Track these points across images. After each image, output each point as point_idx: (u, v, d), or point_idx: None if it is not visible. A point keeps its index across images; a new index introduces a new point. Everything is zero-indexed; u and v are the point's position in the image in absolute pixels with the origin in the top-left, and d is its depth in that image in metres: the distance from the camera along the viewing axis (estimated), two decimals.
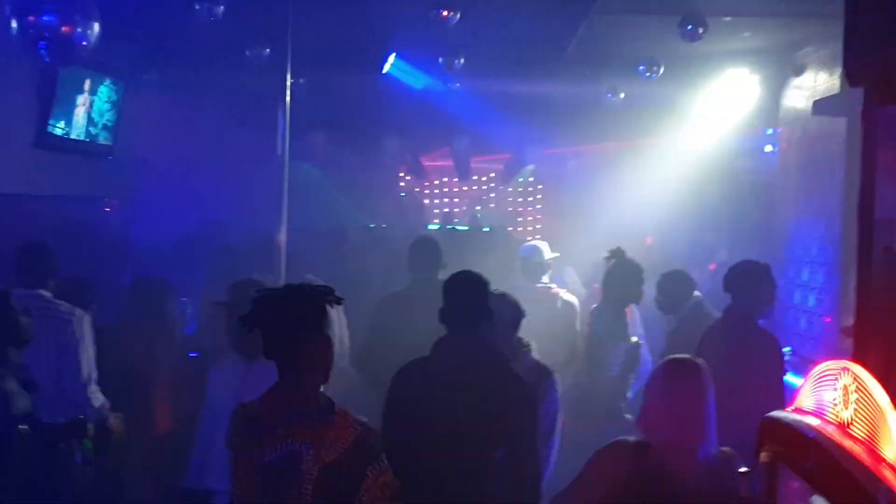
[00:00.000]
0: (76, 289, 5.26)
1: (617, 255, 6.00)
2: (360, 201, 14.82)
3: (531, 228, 17.06)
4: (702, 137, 10.03)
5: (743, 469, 2.95)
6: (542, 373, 4.24)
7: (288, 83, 6.19)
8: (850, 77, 2.80)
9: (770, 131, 9.44)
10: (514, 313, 4.24)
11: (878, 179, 2.74)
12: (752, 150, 10.33)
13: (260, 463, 2.73)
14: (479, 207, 17.07)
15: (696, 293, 6.14)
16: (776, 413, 2.56)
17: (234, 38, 7.14)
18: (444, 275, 4.91)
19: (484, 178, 18.01)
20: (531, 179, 18.11)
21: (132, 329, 5.54)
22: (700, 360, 3.20)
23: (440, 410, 3.46)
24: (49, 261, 4.74)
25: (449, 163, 14.95)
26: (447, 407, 3.45)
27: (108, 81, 7.81)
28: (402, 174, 17.47)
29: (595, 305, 6.14)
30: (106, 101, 7.89)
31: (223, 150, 8.96)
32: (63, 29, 4.23)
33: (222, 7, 6.04)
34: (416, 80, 9.08)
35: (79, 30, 4.30)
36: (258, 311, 2.82)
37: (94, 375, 4.70)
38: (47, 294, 4.66)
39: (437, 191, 18.05)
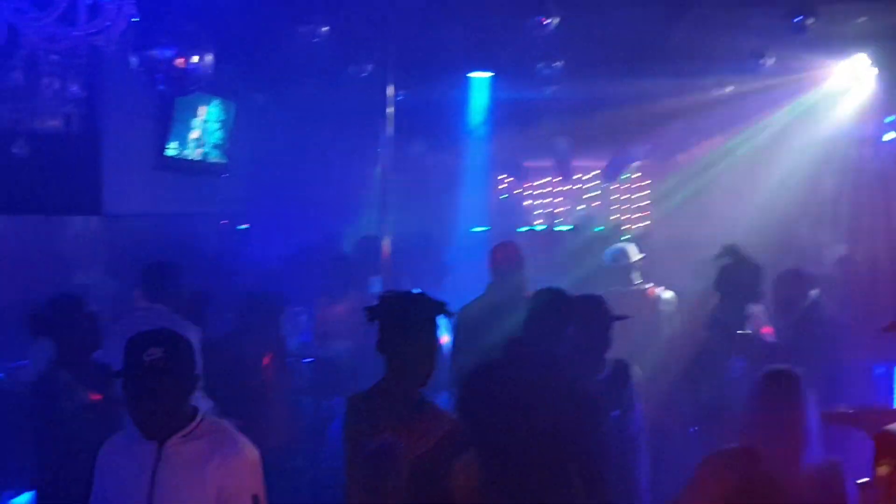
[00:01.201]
0: (192, 301, 5.54)
1: (731, 252, 5.77)
2: (461, 205, 14.98)
3: (639, 226, 16.81)
4: (817, 128, 9.70)
5: (862, 480, 2.91)
6: (624, 371, 4.24)
7: (389, 95, 6.36)
8: None
9: (889, 119, 9.06)
10: (603, 320, 4.23)
11: None
12: (871, 139, 9.93)
13: (363, 453, 2.91)
14: (582, 206, 16.92)
15: (814, 291, 5.86)
16: (893, 427, 2.50)
17: (337, 56, 7.34)
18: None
19: (587, 177, 17.84)
20: (638, 175, 17.84)
21: (246, 341, 5.79)
22: (799, 371, 3.18)
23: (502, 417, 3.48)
24: (168, 277, 4.98)
25: (549, 163, 14.91)
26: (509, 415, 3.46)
27: (219, 102, 8.17)
28: (502, 176, 17.52)
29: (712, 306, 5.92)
30: (217, 122, 8.26)
31: (329, 162, 9.23)
32: (177, 62, 4.46)
33: (325, 28, 6.23)
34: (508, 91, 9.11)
35: (193, 61, 4.53)
36: (380, 309, 3.12)
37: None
38: (163, 308, 4.92)
39: (538, 191, 18.00)
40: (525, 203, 17.83)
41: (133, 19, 2.85)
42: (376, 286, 6.58)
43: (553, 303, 4.05)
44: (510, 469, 3.28)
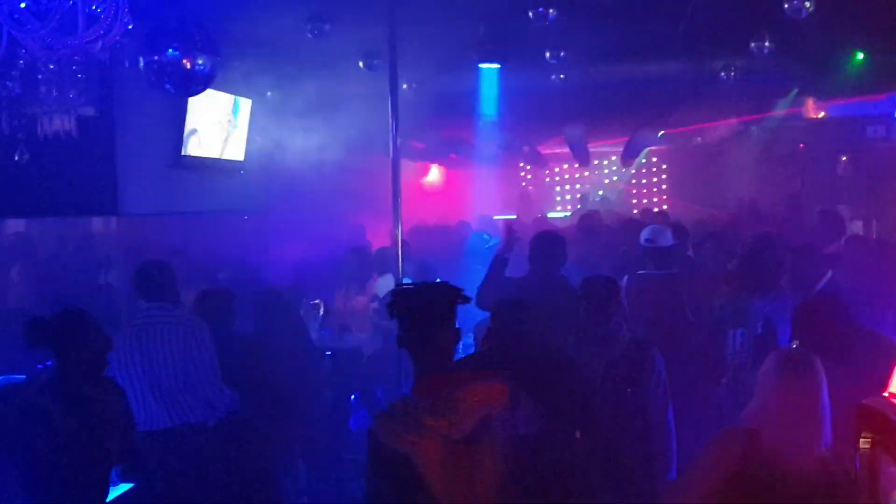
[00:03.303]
0: (215, 299, 5.64)
1: (756, 239, 5.80)
2: (482, 194, 15.06)
3: (657, 210, 16.80)
4: (827, 107, 9.69)
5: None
6: (641, 348, 4.31)
7: (399, 88, 6.43)
8: None
9: None
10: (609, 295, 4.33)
11: None
12: (883, 117, 9.89)
13: (451, 441, 2.78)
14: (601, 192, 16.95)
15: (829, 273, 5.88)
16: (871, 401, 2.55)
17: (346, 52, 7.45)
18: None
19: (605, 162, 17.85)
20: (655, 160, 17.83)
21: (268, 335, 5.92)
22: (814, 355, 3.13)
23: None
24: (165, 276, 5.05)
25: (567, 150, 14.93)
26: None
27: (235, 100, 8.30)
28: (522, 164, 17.56)
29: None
30: (234, 119, 8.39)
31: (343, 155, 9.34)
32: (184, 64, 4.57)
33: (328, 25, 6.33)
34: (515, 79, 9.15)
35: (199, 62, 4.64)
36: (397, 303, 3.10)
37: (218, 374, 4.97)
38: (167, 306, 4.98)
39: (557, 178, 18.03)
40: (546, 189, 17.94)
41: (129, 26, 2.94)
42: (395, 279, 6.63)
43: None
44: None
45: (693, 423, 4.98)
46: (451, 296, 3.11)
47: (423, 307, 3.08)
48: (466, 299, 3.14)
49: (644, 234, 6.16)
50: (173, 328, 4.85)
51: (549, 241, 5.68)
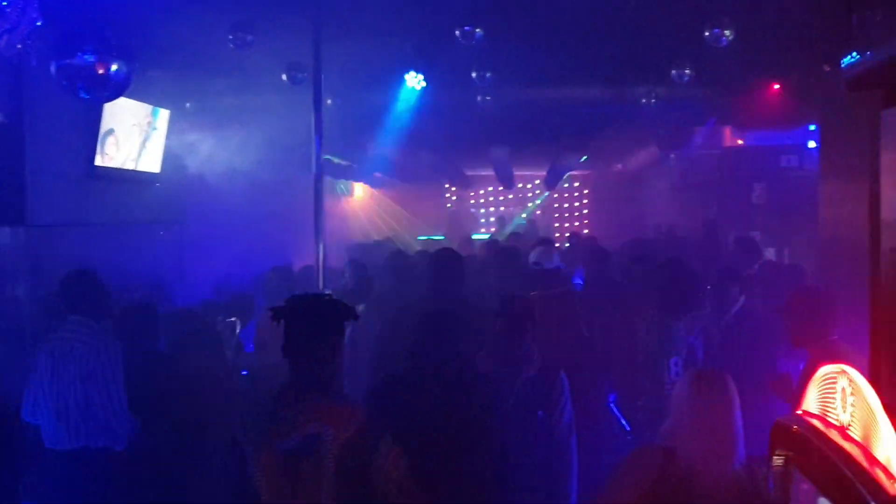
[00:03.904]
0: (138, 315, 5.36)
1: (667, 261, 5.93)
2: (409, 214, 15.07)
3: (585, 233, 17.06)
4: (742, 136, 9.97)
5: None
6: (552, 370, 4.30)
7: (323, 103, 6.34)
8: (849, 82, 2.82)
9: (813, 127, 9.33)
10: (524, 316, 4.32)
11: (882, 180, 2.75)
12: (797, 147, 10.21)
13: (281, 448, 2.95)
14: (523, 215, 17.14)
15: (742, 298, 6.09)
16: (784, 417, 2.58)
17: (269, 64, 7.33)
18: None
19: (529, 185, 18.07)
20: (577, 185, 18.15)
21: (181, 356, 5.70)
22: (726, 374, 3.19)
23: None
24: (92, 287, 4.86)
25: (491, 172, 15.05)
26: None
27: (152, 110, 8.08)
28: (447, 185, 17.65)
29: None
30: (151, 130, 8.17)
31: (264, 171, 9.19)
32: (98, 69, 4.41)
33: (250, 36, 6.22)
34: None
35: (113, 68, 4.49)
36: (286, 311, 3.13)
37: (124, 401, 4.77)
38: (91, 323, 4.77)
39: (482, 200, 18.17)
40: (471, 211, 18.05)
41: (37, 23, 2.81)
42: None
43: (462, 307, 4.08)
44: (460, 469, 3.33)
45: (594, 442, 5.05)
46: (340, 312, 3.15)
47: (309, 318, 3.11)
48: (356, 318, 3.21)
49: (531, 257, 6.27)
50: (89, 348, 4.65)
51: (448, 261, 5.61)
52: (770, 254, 9.52)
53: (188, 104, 8.42)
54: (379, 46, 7.06)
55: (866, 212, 2.91)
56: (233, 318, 7.62)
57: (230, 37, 6.35)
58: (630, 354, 5.69)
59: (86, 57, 4.47)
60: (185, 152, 8.65)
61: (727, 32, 6.07)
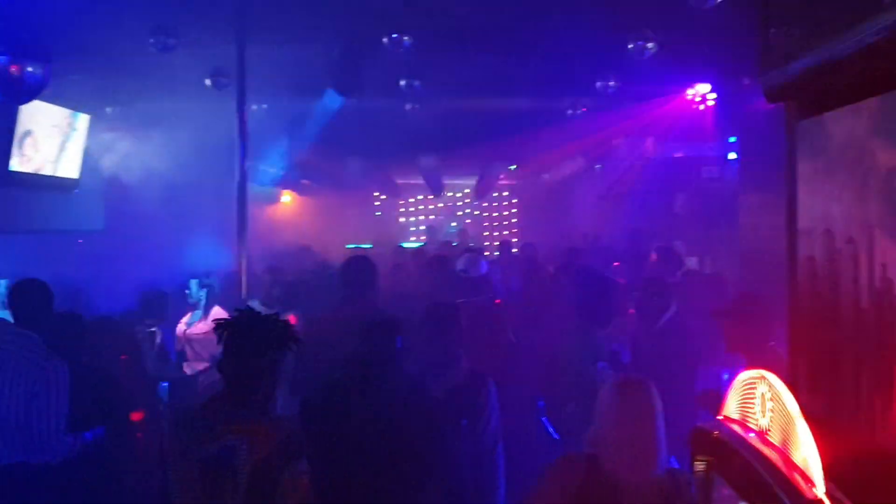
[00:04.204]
0: (68, 324, 5.21)
1: (586, 269, 6.03)
2: (337, 222, 14.94)
3: (514, 241, 17.21)
4: (664, 148, 10.18)
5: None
6: (479, 378, 4.28)
7: (247, 109, 6.25)
8: (767, 94, 2.88)
9: (733, 139, 9.58)
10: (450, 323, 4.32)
11: (799, 190, 2.82)
12: (717, 158, 10.46)
13: (197, 457, 2.93)
14: (453, 223, 17.18)
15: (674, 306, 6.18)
16: (705, 423, 2.62)
17: (192, 69, 7.18)
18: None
19: (459, 194, 18.14)
20: (506, 194, 18.29)
21: (99, 367, 5.51)
22: (650, 381, 3.22)
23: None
24: (38, 298, 4.63)
25: (421, 180, 15.05)
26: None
27: (71, 115, 7.85)
28: (376, 193, 17.59)
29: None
30: (71, 134, 7.93)
31: (187, 177, 8.99)
32: (12, 69, 4.25)
33: (173, 40, 6.08)
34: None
35: (29, 69, 4.33)
36: (226, 327, 3.11)
37: (62, 422, 4.56)
38: (29, 334, 4.52)
39: (412, 208, 18.15)
40: (400, 220, 18.02)
41: None
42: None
43: (389, 319, 4.03)
44: (341, 481, 3.31)
45: (516, 446, 5.08)
46: (284, 332, 3.14)
47: (251, 335, 3.09)
48: (296, 338, 3.16)
49: (458, 265, 6.29)
50: (26, 365, 4.41)
51: (360, 267, 5.54)
52: (692, 262, 9.72)
53: (109, 109, 8.19)
54: (305, 52, 6.99)
55: (784, 221, 2.97)
56: (153, 329, 7.44)
57: (151, 40, 6.19)
58: (555, 362, 5.73)
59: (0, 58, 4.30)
60: (106, 158, 8.41)
61: (650, 45, 6.18)
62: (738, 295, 4.66)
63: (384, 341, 3.75)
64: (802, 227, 2.78)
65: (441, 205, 18.01)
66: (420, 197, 17.96)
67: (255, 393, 3.06)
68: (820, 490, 1.96)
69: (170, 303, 7.20)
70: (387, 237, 14.44)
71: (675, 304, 6.03)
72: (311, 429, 3.35)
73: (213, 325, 7.15)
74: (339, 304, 5.35)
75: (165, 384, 6.97)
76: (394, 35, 6.22)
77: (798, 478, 2.02)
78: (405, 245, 13.47)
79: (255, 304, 6.75)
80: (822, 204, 2.62)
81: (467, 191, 17.72)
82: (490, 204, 18.25)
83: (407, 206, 18.18)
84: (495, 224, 18.40)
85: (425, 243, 14.12)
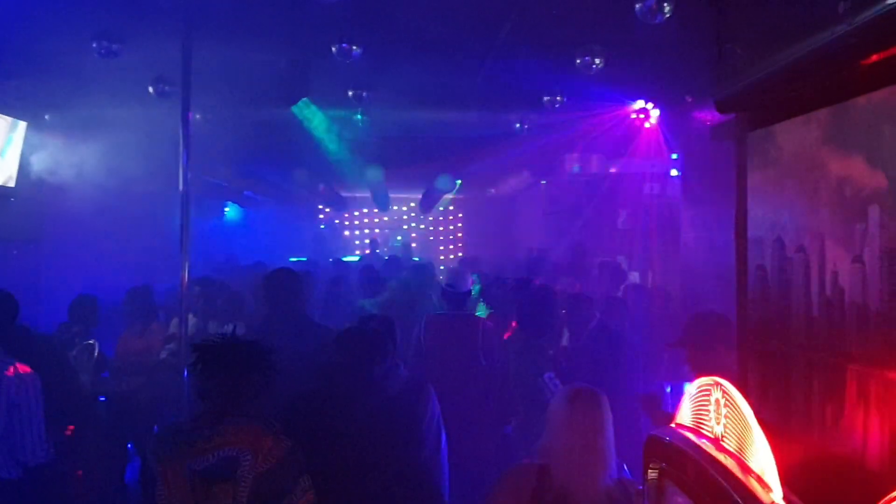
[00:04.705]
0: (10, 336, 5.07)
1: (529, 283, 6.18)
2: (280, 235, 14.76)
3: (453, 257, 17.26)
4: (609, 164, 10.29)
5: (638, 490, 3.01)
6: (419, 386, 4.29)
7: (189, 118, 6.12)
8: (719, 105, 2.92)
9: (675, 156, 9.73)
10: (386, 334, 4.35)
11: (749, 200, 2.86)
12: (659, 175, 10.62)
13: (192, 469, 2.86)
14: (399, 237, 17.15)
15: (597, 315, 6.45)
16: (658, 431, 2.62)
17: (135, 75, 7.03)
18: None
19: (405, 208, 18.13)
20: (451, 208, 18.34)
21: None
22: (600, 391, 3.24)
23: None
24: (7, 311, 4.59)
25: (367, 194, 14.98)
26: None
27: (7, 121, 7.61)
28: (321, 206, 17.46)
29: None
30: (6, 143, 7.69)
31: (133, 188, 8.79)
32: None
33: (117, 45, 5.95)
34: (321, 122, 9.10)
35: None
36: (200, 359, 3.06)
37: (42, 432, 4.59)
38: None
39: (357, 221, 18.07)
40: (345, 233, 17.92)
41: None
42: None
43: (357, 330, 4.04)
44: (338, 489, 3.27)
45: (476, 461, 5.09)
46: (262, 356, 3.14)
47: (224, 361, 3.07)
48: (270, 366, 3.15)
49: (445, 279, 6.34)
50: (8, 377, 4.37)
51: (287, 278, 5.58)
52: (635, 277, 9.84)
53: (47, 116, 7.97)
54: (251, 61, 6.90)
55: (727, 234, 3.01)
56: (91, 341, 7.23)
57: (94, 45, 6.04)
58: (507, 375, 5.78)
59: None
60: (43, 166, 8.17)
61: (597, 61, 6.26)
62: (693, 319, 4.61)
63: (363, 351, 3.72)
64: (752, 236, 2.82)
65: (385, 218, 17.97)
66: (365, 210, 17.89)
67: (240, 407, 3.04)
68: (777, 495, 1.97)
69: (98, 308, 7.04)
70: (326, 251, 14.37)
71: (598, 313, 6.44)
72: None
73: (162, 336, 7.01)
74: (269, 317, 5.39)
75: (103, 398, 6.80)
76: (343, 45, 6.17)
77: (754, 483, 2.03)
78: (346, 258, 13.40)
79: (190, 318, 6.67)
80: (772, 213, 2.65)
81: (413, 205, 17.71)
82: (435, 218, 18.28)
83: (352, 219, 18.10)
84: (440, 238, 18.43)
85: (361, 257, 14.08)
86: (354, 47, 6.22)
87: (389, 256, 11.99)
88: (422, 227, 18.43)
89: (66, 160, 8.22)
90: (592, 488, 3.10)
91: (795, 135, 2.49)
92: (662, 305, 7.94)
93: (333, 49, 6.23)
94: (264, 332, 4.87)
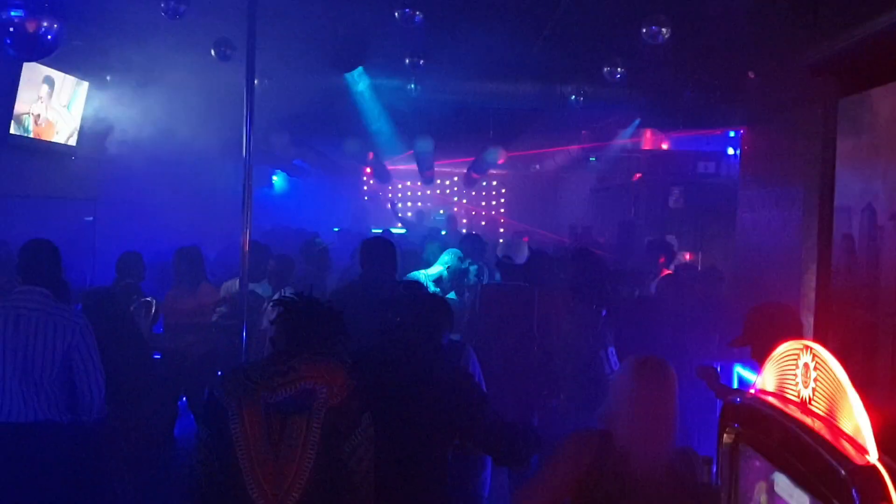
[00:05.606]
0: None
1: (582, 254, 6.15)
2: (327, 204, 14.85)
3: (500, 231, 17.23)
4: (663, 141, 10.20)
5: (705, 457, 3.01)
6: (459, 347, 4.38)
7: (254, 84, 6.15)
8: (813, 69, 2.88)
9: (732, 134, 9.62)
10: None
11: (837, 168, 2.83)
12: (715, 153, 10.51)
13: (268, 403, 2.90)
14: (441, 211, 17.17)
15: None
16: (736, 395, 2.62)
17: (198, 38, 7.10)
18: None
19: (448, 182, 18.13)
20: (495, 183, 18.30)
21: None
22: (667, 361, 3.23)
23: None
24: (53, 261, 4.54)
25: (413, 166, 14.98)
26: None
27: (71, 81, 7.73)
28: (366, 178, 17.53)
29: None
30: (69, 102, 7.81)
31: (189, 151, 8.89)
32: (28, 26, 4.18)
33: (184, 7, 6.00)
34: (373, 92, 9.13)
35: (44, 26, 4.25)
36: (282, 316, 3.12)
37: (98, 377, 4.58)
38: (42, 290, 4.43)
39: (400, 194, 18.11)
40: (388, 205, 17.99)
41: None
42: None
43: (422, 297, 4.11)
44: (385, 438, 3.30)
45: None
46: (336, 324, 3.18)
47: (305, 323, 3.11)
48: (346, 336, 3.20)
49: (501, 250, 6.33)
50: (50, 320, 4.34)
51: (380, 246, 5.63)
52: (685, 258, 9.77)
53: (108, 77, 8.07)
54: (313, 28, 6.93)
55: (787, 212, 2.98)
56: (148, 298, 7.37)
57: (162, 4, 6.09)
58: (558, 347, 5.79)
59: (16, 13, 4.21)
60: (103, 126, 8.29)
61: (664, 30, 6.15)
62: (755, 311, 4.29)
63: (429, 316, 3.75)
64: (839, 204, 2.79)
65: (429, 192, 17.99)
66: (408, 183, 17.92)
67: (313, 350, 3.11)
68: (873, 456, 1.96)
69: (143, 264, 7.17)
70: (370, 222, 14.45)
71: (637, 289, 6.64)
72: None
73: (212, 299, 7.09)
74: (360, 280, 5.45)
75: (157, 355, 6.94)
76: (406, 10, 6.17)
77: (847, 445, 2.02)
78: (393, 230, 13.45)
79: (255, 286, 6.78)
80: (863, 181, 2.62)
81: (457, 178, 17.70)
82: (479, 193, 18.26)
83: (395, 191, 18.14)
84: (483, 213, 18.42)
85: (407, 230, 14.12)
86: (417, 13, 6.21)
87: (430, 229, 12.03)
88: (464, 201, 18.42)
89: (127, 121, 8.32)
90: (654, 456, 3.10)
91: (893, 100, 2.45)
92: (712, 286, 7.87)
93: (396, 14, 6.22)
94: (356, 291, 5.00)
